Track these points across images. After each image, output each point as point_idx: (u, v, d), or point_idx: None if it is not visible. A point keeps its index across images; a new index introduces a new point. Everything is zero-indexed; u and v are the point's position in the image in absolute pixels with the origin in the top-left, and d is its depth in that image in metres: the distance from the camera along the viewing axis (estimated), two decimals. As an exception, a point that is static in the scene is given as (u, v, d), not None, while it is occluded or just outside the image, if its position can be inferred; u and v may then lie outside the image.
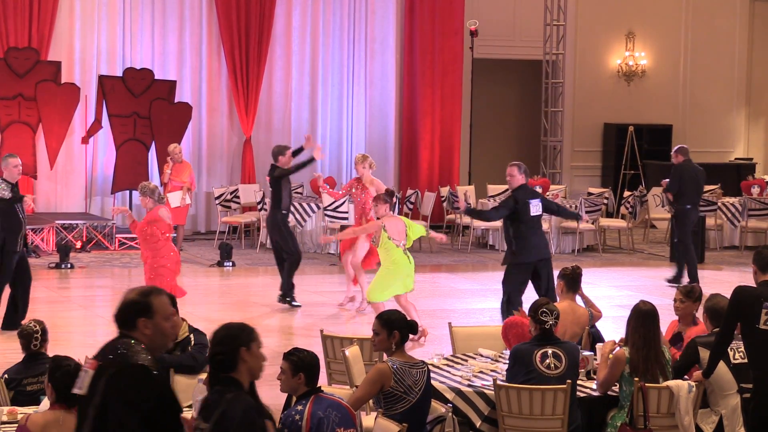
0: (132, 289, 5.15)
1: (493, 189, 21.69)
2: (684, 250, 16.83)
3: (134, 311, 5.09)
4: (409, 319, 7.76)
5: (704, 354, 8.21)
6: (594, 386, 8.38)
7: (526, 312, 9.15)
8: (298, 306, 14.51)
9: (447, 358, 9.17)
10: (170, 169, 18.67)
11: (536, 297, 10.97)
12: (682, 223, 16.98)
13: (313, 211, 19.64)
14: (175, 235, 19.16)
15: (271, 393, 7.16)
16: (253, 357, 5.36)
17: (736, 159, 25.65)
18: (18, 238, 12.81)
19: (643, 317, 8.14)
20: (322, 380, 7.29)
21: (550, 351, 8.05)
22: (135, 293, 5.13)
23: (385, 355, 7.74)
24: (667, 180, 17.23)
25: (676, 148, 17.70)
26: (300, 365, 6.77)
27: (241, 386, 5.30)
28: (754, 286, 7.77)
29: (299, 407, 6.62)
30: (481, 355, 9.24)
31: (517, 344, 8.34)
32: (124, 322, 5.10)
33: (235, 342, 5.34)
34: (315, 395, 6.68)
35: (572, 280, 9.58)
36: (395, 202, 14.46)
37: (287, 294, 14.61)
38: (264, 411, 5.35)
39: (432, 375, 7.93)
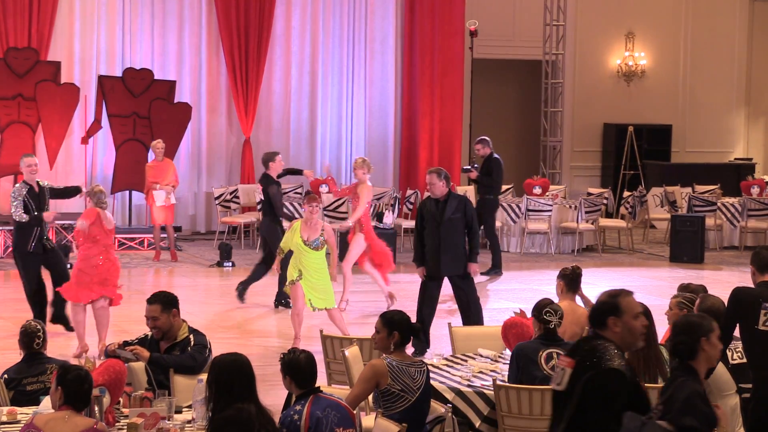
0: (604, 291, 5.75)
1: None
2: (495, 237, 18.05)
3: (604, 311, 5.66)
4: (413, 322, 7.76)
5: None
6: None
7: (527, 312, 9.15)
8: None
9: (446, 359, 9.17)
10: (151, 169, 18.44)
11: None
12: (490, 213, 17.95)
13: (313, 211, 19.63)
14: (163, 239, 19.17)
15: (271, 393, 7.17)
16: (712, 346, 5.74)
17: (735, 159, 25.66)
18: (29, 238, 12.69)
19: (640, 318, 8.12)
20: (322, 380, 7.29)
21: (555, 354, 8.04)
22: (605, 295, 5.74)
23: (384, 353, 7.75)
24: (470, 168, 18.13)
25: (480, 139, 18.34)
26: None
27: (697, 374, 5.70)
28: (753, 286, 7.77)
29: (298, 407, 6.63)
30: (481, 356, 9.24)
31: (521, 343, 8.33)
32: (596, 322, 5.69)
33: (698, 332, 5.73)
34: (314, 395, 6.69)
35: (572, 280, 9.57)
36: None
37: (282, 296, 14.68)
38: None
39: (431, 375, 7.93)
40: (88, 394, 6.42)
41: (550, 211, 19.95)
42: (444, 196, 11.97)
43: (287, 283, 12.30)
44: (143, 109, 20.24)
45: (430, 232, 11.95)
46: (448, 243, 11.95)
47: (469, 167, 18.37)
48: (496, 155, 18.15)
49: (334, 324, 12.34)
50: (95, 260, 12.01)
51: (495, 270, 17.84)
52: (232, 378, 6.17)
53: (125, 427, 6.89)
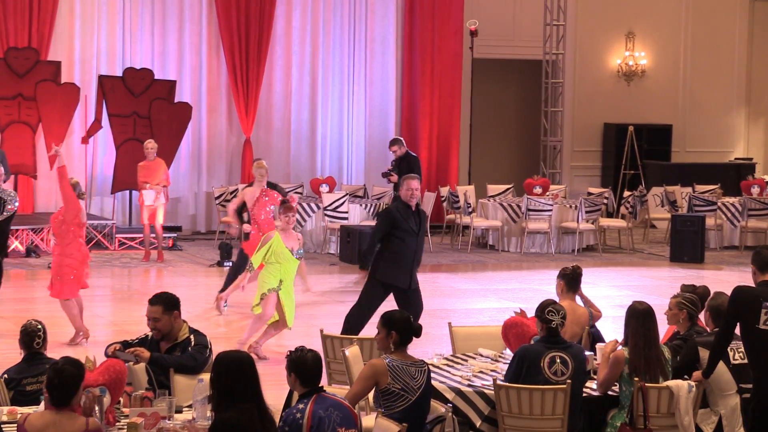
0: None
1: (493, 189, 21.70)
2: None
3: None
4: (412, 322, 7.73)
5: (704, 354, 8.21)
6: (594, 386, 8.38)
7: (527, 312, 9.16)
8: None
9: (447, 358, 9.17)
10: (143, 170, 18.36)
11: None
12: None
13: (313, 211, 19.65)
14: (141, 233, 19.14)
15: (271, 393, 7.17)
16: None
17: (735, 159, 25.65)
18: None
19: (643, 317, 8.13)
20: (322, 380, 7.29)
21: (558, 357, 8.04)
22: None
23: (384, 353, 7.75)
24: (390, 173, 18.20)
25: (395, 139, 18.62)
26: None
27: None
28: (753, 286, 7.77)
29: (301, 406, 6.63)
30: (481, 355, 9.24)
31: (525, 344, 8.32)
32: None
33: None
34: (317, 394, 6.69)
35: (572, 280, 9.57)
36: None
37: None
38: None
39: (432, 375, 7.92)
40: (64, 388, 6.33)
41: (551, 210, 19.95)
42: (415, 205, 11.65)
43: (266, 290, 11.97)
44: (143, 108, 20.24)
45: (407, 244, 11.46)
46: (419, 255, 11.66)
47: (388, 172, 18.33)
48: (412, 153, 18.51)
49: (257, 331, 12.13)
50: (77, 255, 12.20)
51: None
52: (235, 375, 6.16)
53: (125, 426, 6.89)
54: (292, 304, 12.10)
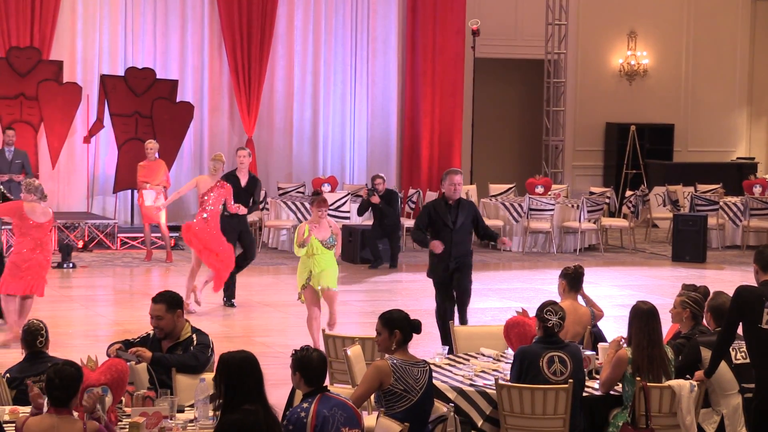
0: None
1: (495, 188, 21.70)
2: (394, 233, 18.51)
3: None
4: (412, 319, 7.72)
5: (706, 354, 8.21)
6: (596, 386, 8.38)
7: (529, 312, 9.16)
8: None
9: (449, 358, 9.17)
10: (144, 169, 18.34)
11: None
12: (396, 231, 18.40)
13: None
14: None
15: (273, 393, 7.17)
16: None
17: (737, 158, 25.65)
18: None
19: (646, 317, 8.13)
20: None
21: (556, 357, 8.05)
22: None
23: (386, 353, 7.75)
24: (373, 193, 18.49)
25: (381, 175, 18.96)
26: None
27: None
28: (756, 285, 7.77)
29: (305, 405, 6.64)
30: (483, 355, 9.24)
31: (523, 346, 8.33)
32: None
33: None
34: (321, 394, 6.70)
35: (574, 280, 9.57)
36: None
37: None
38: None
39: (434, 374, 7.93)
40: (64, 387, 6.32)
41: (552, 210, 19.95)
42: (457, 199, 11.79)
43: (300, 288, 11.93)
44: (145, 108, 20.25)
45: (442, 237, 11.63)
46: (461, 249, 11.73)
47: (370, 192, 18.49)
48: (392, 189, 19.10)
49: (329, 305, 12.01)
50: (28, 254, 12.20)
51: (380, 263, 18.31)
52: (239, 376, 6.16)
53: (127, 426, 6.89)
54: (327, 280, 11.88)
